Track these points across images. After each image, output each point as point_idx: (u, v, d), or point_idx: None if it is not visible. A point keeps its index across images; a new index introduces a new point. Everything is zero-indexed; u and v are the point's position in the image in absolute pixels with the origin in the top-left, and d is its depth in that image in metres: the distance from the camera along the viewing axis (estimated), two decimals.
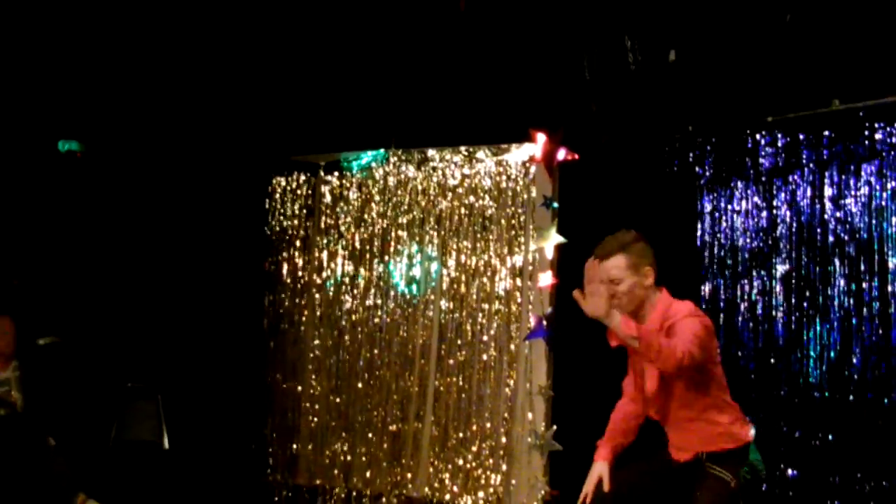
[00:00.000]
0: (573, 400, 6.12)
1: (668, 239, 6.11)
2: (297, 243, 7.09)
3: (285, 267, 7.11)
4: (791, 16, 5.75)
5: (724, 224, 6.33)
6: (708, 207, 6.39)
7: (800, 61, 5.82)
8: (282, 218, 7.14)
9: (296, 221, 7.10)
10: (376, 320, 6.79)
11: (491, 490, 6.27)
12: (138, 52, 6.64)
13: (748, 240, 6.24)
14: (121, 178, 7.02)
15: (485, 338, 6.43)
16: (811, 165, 6.04)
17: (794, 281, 6.07)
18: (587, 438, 4.15)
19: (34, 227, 6.83)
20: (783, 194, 6.15)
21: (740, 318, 6.22)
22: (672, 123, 6.35)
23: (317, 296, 7.00)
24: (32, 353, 6.29)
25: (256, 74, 6.82)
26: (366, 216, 6.89)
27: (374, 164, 6.88)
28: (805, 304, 6.02)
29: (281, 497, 6.72)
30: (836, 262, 5.92)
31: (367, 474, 6.66)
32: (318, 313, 6.99)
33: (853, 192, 5.90)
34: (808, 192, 6.05)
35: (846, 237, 5.90)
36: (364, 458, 6.69)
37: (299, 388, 6.99)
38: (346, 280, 6.91)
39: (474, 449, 6.36)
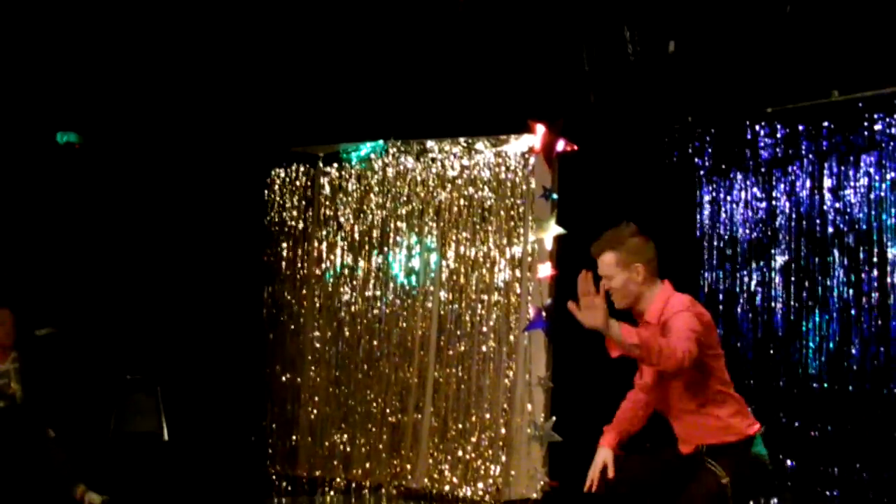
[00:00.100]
0: (572, 391, 6.13)
1: (667, 230, 6.12)
2: (297, 235, 7.09)
3: (284, 258, 7.11)
4: (791, 6, 5.74)
5: (723, 215, 6.33)
6: (707, 198, 6.39)
7: (799, 52, 5.81)
8: (281, 209, 7.14)
9: (295, 213, 7.10)
10: (375, 312, 6.79)
11: (490, 481, 6.28)
12: (137, 44, 6.63)
13: (747, 231, 6.24)
14: (119, 171, 7.01)
15: (484, 329, 6.43)
16: (810, 156, 6.04)
17: (793, 272, 6.08)
18: (586, 429, 4.16)
19: (33, 219, 6.82)
20: (782, 185, 6.15)
21: (739, 309, 6.22)
22: (671, 114, 6.35)
23: (316, 287, 7.00)
24: (31, 345, 6.29)
25: (255, 66, 6.81)
26: (365, 207, 6.88)
27: (373, 156, 6.87)
28: (804, 295, 6.02)
29: (280, 488, 6.73)
30: (836, 252, 5.92)
31: (367, 465, 6.68)
32: (318, 305, 6.99)
33: (852, 183, 5.90)
34: (808, 183, 6.05)
35: (845, 228, 5.91)
36: (363, 450, 6.70)
37: (299, 379, 7.00)
38: (346, 271, 6.91)
39: (474, 440, 6.37)
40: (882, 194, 5.80)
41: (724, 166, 6.32)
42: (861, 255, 5.83)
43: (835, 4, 5.69)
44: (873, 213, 5.81)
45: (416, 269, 6.71)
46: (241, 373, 7.03)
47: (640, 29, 6.12)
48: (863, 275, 5.83)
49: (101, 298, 6.91)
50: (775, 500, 5.81)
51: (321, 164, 7.03)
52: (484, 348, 6.42)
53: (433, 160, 6.69)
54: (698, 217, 6.40)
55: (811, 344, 5.98)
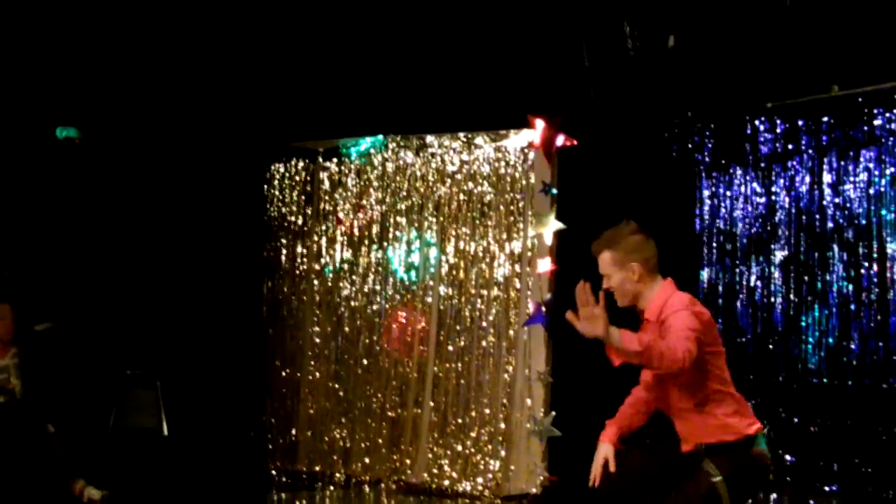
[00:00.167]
0: (572, 386, 6.13)
1: (667, 225, 6.12)
2: (296, 230, 7.09)
3: (284, 253, 7.10)
4: (791, 1, 5.73)
5: (723, 210, 6.34)
6: (707, 193, 6.39)
7: (799, 47, 5.81)
8: (280, 204, 7.14)
9: (294, 208, 7.10)
10: (375, 307, 6.79)
11: (490, 476, 6.29)
12: (137, 39, 6.62)
13: (747, 226, 6.25)
14: (119, 166, 7.00)
15: (484, 324, 6.43)
16: (810, 151, 6.05)
17: (792, 267, 6.08)
18: (586, 424, 4.16)
19: (33, 213, 6.82)
20: (782, 180, 6.16)
21: (739, 304, 6.23)
22: (671, 109, 6.35)
23: (315, 282, 7.00)
24: (31, 340, 6.29)
25: (255, 61, 6.80)
26: (364, 202, 6.88)
27: (372, 151, 6.87)
28: (804, 290, 6.03)
29: (280, 483, 6.73)
30: (835, 248, 5.93)
31: (366, 460, 6.68)
32: (317, 300, 6.99)
33: (852, 179, 5.90)
34: (807, 178, 6.06)
35: (845, 223, 5.91)
36: (363, 445, 6.70)
37: (298, 374, 7.00)
38: (345, 266, 6.91)
39: (473, 435, 6.37)
40: (881, 189, 5.80)
41: (723, 161, 6.33)
42: (860, 251, 5.84)
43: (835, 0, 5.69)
44: (873, 208, 5.81)
45: (415, 264, 6.71)
46: (241, 368, 7.03)
47: (640, 24, 6.12)
48: (862, 270, 5.84)
49: (100, 294, 6.91)
50: (774, 496, 5.81)
51: (321, 159, 7.02)
52: (483, 343, 6.42)
53: (433, 155, 6.68)
54: (698, 212, 6.40)
55: (811, 339, 5.99)
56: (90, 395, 6.75)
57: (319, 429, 6.87)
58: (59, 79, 6.65)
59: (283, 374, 7.03)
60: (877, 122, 5.79)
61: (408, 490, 6.43)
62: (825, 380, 5.90)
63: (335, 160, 6.98)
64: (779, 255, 6.13)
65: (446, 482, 6.38)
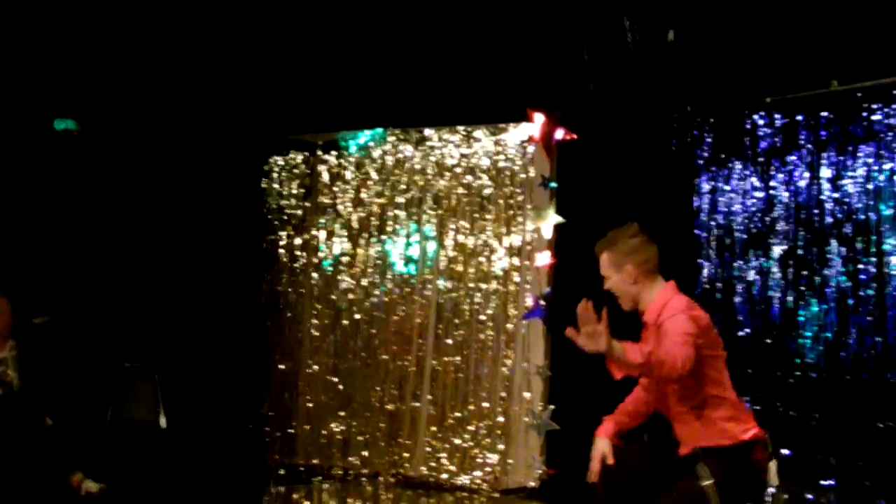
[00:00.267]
0: (570, 380, 6.14)
1: (665, 219, 6.13)
2: (295, 223, 7.08)
3: (282, 246, 7.10)
4: None
5: (721, 205, 6.34)
6: (706, 188, 6.39)
7: (799, 42, 5.81)
8: (279, 197, 7.13)
9: (293, 201, 7.09)
10: (374, 300, 6.79)
11: (488, 469, 6.30)
12: (135, 31, 6.60)
13: (746, 220, 6.25)
14: (117, 159, 6.99)
15: (482, 317, 6.44)
16: (809, 146, 6.05)
17: (791, 262, 6.09)
18: (584, 418, 4.17)
19: (30, 206, 6.80)
20: (781, 175, 6.16)
21: (738, 299, 6.23)
22: (670, 104, 6.35)
23: (314, 275, 7.00)
24: (29, 333, 6.28)
25: (254, 53, 6.79)
26: (363, 195, 6.88)
27: (371, 144, 6.86)
28: (802, 285, 6.03)
29: (278, 476, 6.73)
30: (834, 242, 5.93)
31: (365, 454, 6.68)
32: (316, 293, 6.99)
33: (850, 174, 5.90)
34: (806, 173, 6.06)
35: (843, 218, 5.91)
36: (361, 438, 6.71)
37: (296, 367, 6.99)
38: (344, 259, 6.91)
39: (471, 428, 6.37)
40: (880, 184, 5.81)
41: (722, 156, 6.33)
42: (859, 246, 5.84)
43: None
44: (871, 203, 5.81)
45: (414, 257, 6.71)
46: (239, 361, 7.03)
47: (640, 18, 6.11)
48: (860, 265, 5.84)
49: (99, 286, 6.90)
50: (771, 490, 5.82)
51: (320, 152, 7.02)
52: (482, 337, 6.42)
53: (432, 148, 6.68)
54: (696, 206, 6.40)
55: (809, 333, 5.99)
56: (88, 388, 6.74)
57: (317, 422, 6.87)
58: (57, 71, 6.63)
59: (282, 367, 7.03)
60: (876, 118, 5.79)
61: (406, 483, 6.44)
62: (823, 374, 5.90)
63: (334, 153, 6.97)
64: (777, 250, 6.13)
65: (444, 476, 6.39)
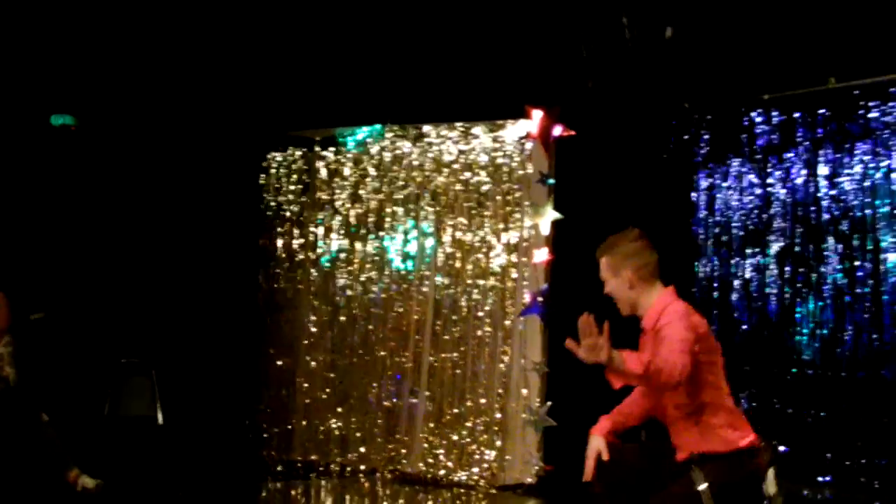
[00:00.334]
0: (567, 376, 6.13)
1: (663, 216, 6.14)
2: (293, 219, 7.08)
3: (280, 242, 7.10)
4: None
5: (719, 202, 6.35)
6: (703, 185, 6.40)
7: (796, 39, 5.82)
8: (277, 193, 7.13)
9: (291, 197, 7.09)
10: (371, 296, 6.79)
11: (485, 465, 6.30)
12: (133, 27, 6.59)
13: (743, 217, 6.26)
14: (115, 154, 6.98)
15: (480, 314, 6.44)
16: (806, 143, 6.06)
17: (788, 258, 6.10)
18: (581, 414, 4.17)
19: (27, 202, 6.79)
20: (778, 172, 6.17)
21: (734, 295, 6.24)
22: (668, 101, 6.35)
23: (312, 271, 7.00)
24: (26, 329, 6.27)
25: (252, 49, 6.78)
26: (361, 192, 6.88)
27: (369, 140, 6.86)
28: (799, 281, 6.05)
29: (275, 472, 6.74)
30: (830, 239, 5.95)
31: (362, 450, 6.69)
32: (313, 289, 6.99)
33: (847, 171, 5.91)
34: (803, 171, 6.07)
35: (840, 215, 5.93)
36: (359, 434, 6.71)
37: (294, 363, 6.99)
38: (342, 256, 6.91)
39: (469, 425, 6.38)
40: (877, 182, 5.82)
41: (720, 153, 6.33)
42: (855, 243, 5.86)
43: None
44: (868, 200, 5.83)
45: (412, 253, 6.71)
46: (237, 357, 7.03)
47: (638, 15, 6.12)
48: (857, 262, 5.85)
49: (96, 282, 6.89)
50: (769, 496, 5.83)
51: (317, 148, 7.01)
52: (479, 333, 6.43)
53: (430, 145, 6.68)
54: (694, 203, 6.41)
55: (805, 330, 6.00)
56: (85, 384, 6.74)
57: (315, 418, 6.88)
58: (55, 66, 6.62)
59: (279, 363, 7.03)
60: (872, 115, 5.80)
61: (403, 480, 6.44)
62: (819, 371, 5.92)
63: (332, 149, 6.97)
64: (774, 247, 6.15)
65: (442, 472, 6.40)
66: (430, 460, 6.46)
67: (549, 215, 6.20)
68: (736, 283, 6.25)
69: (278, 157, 7.13)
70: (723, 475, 3.45)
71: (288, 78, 6.88)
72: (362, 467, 6.64)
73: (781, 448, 5.93)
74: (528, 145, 6.36)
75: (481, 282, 6.45)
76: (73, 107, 6.84)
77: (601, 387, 4.04)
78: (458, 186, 6.57)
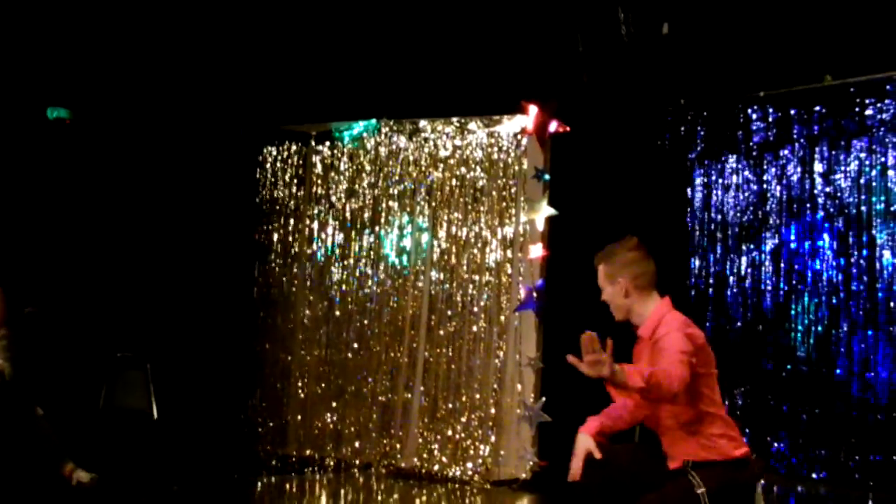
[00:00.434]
0: (562, 372, 6.08)
1: (658, 212, 6.15)
2: (288, 213, 7.07)
3: (276, 237, 7.09)
4: None
5: (714, 198, 6.35)
6: (699, 181, 6.40)
7: (792, 36, 5.82)
8: (272, 188, 7.12)
9: (286, 191, 7.08)
10: (366, 291, 6.79)
11: (480, 461, 6.31)
12: (129, 20, 6.57)
13: (738, 214, 6.26)
14: (110, 148, 6.96)
15: (475, 309, 6.44)
16: (802, 140, 6.06)
17: (783, 255, 6.11)
18: (576, 410, 4.17)
19: (23, 196, 6.78)
20: (774, 169, 6.17)
21: (729, 292, 6.25)
22: (664, 97, 6.35)
23: (307, 266, 7.00)
24: (21, 322, 6.26)
25: (248, 43, 6.77)
26: (357, 186, 6.87)
27: (365, 135, 6.86)
28: (794, 278, 6.05)
29: (270, 466, 6.74)
30: (825, 236, 5.95)
31: (357, 444, 6.69)
32: (309, 284, 6.99)
33: (843, 168, 5.92)
34: (799, 167, 6.07)
35: (835, 212, 5.93)
36: (353, 429, 6.72)
37: (289, 358, 7.00)
38: (337, 250, 6.91)
39: (463, 420, 6.38)
40: (872, 179, 5.82)
41: (715, 149, 6.34)
42: (850, 240, 5.86)
43: None
44: (863, 197, 5.83)
45: (407, 248, 6.71)
46: (232, 351, 7.03)
47: (634, 10, 6.11)
48: (852, 259, 5.86)
49: (91, 276, 6.88)
50: (762, 482, 5.84)
51: (313, 143, 7.01)
52: (474, 328, 6.43)
53: (426, 140, 6.68)
54: (689, 199, 6.41)
55: (800, 327, 6.01)
56: (80, 378, 6.73)
57: (310, 413, 6.88)
58: (50, 60, 6.60)
59: (274, 357, 7.03)
60: (868, 112, 5.81)
61: (398, 474, 6.44)
62: (814, 367, 5.93)
63: (328, 144, 6.97)
64: (769, 244, 6.15)
65: (436, 467, 6.40)
66: (425, 455, 6.46)
67: (545, 211, 6.20)
68: (731, 279, 6.25)
69: (274, 151, 7.12)
70: (717, 482, 3.45)
71: (283, 72, 6.87)
72: (357, 462, 6.64)
73: (777, 445, 5.95)
74: (524, 140, 6.36)
75: (476, 277, 6.45)
76: (68, 100, 6.82)
77: (596, 383, 4.06)
78: (454, 182, 6.57)
